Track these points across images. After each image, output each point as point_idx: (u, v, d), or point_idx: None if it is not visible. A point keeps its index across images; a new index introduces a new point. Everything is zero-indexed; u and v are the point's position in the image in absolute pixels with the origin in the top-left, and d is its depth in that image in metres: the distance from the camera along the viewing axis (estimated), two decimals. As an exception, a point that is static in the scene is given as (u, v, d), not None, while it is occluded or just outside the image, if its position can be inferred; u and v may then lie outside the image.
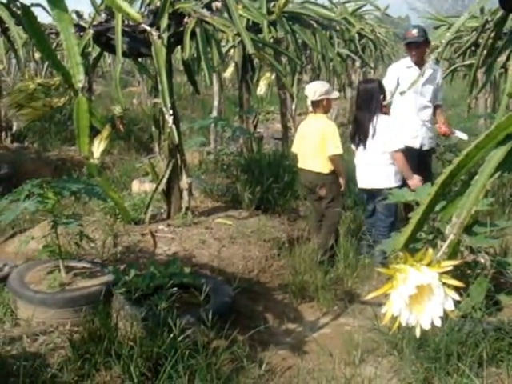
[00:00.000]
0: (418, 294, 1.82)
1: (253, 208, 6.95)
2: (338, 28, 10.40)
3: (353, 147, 6.14)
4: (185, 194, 6.61)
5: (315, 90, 5.99)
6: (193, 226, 6.43)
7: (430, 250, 1.89)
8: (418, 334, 1.88)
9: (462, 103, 17.94)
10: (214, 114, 10.04)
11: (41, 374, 3.75)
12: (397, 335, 4.27)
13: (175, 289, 4.50)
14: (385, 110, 6.09)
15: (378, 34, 13.54)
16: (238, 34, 5.58)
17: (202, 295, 4.46)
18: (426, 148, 6.77)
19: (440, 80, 6.90)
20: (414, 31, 6.58)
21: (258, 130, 10.10)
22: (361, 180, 6.09)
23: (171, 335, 4.01)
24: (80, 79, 2.85)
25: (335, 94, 6.21)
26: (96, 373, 3.91)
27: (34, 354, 4.07)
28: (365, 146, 5.86)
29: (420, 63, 6.56)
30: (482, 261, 4.73)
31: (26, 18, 2.77)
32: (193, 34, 5.49)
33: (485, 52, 5.77)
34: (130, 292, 4.56)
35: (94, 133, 3.16)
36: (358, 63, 14.10)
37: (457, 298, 1.83)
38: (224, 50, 8.31)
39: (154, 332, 4.08)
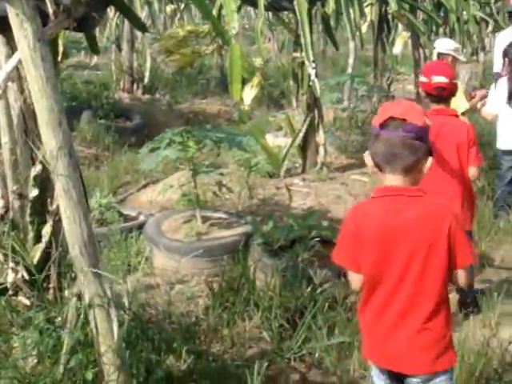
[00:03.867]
0: None
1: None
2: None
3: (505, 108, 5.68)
4: (321, 149, 6.53)
5: (445, 43, 5.70)
6: (328, 181, 6.34)
7: None
8: None
9: None
10: (349, 71, 9.83)
11: (182, 321, 3.77)
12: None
13: (314, 241, 4.43)
14: None
15: None
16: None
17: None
18: None
19: None
20: None
21: (392, 89, 9.82)
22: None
23: (310, 288, 3.95)
24: (234, 26, 2.81)
25: (463, 58, 5.87)
26: (235, 322, 3.91)
27: (171, 302, 4.11)
28: None
29: None
30: None
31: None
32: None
33: None
34: (267, 244, 4.53)
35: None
36: (490, 27, 13.35)
37: None
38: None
39: (292, 284, 4.04)
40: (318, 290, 3.93)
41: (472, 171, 3.91)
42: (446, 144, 3.81)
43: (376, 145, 2.38)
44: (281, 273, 4.13)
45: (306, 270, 4.04)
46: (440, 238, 2.34)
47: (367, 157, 2.45)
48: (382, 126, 2.35)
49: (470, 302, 4.22)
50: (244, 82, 3.22)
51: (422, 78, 4.06)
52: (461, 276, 2.44)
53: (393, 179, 2.38)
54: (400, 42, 8.92)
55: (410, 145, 2.32)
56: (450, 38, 10.64)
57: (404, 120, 2.32)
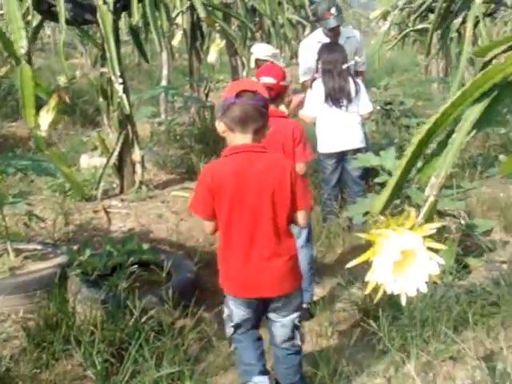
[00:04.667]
0: (401, 260, 1.74)
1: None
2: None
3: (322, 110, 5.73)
4: (138, 167, 6.33)
5: (263, 48, 5.76)
6: (148, 200, 6.17)
7: (413, 213, 1.80)
8: (403, 301, 1.80)
9: (413, 68, 17.95)
10: (164, 83, 9.71)
11: (-4, 368, 3.45)
12: (368, 303, 4.11)
13: (135, 267, 4.24)
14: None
15: None
16: (188, -2, 5.29)
17: (164, 272, 4.23)
18: None
19: (359, 44, 6.50)
20: (333, 10, 6.00)
21: (210, 98, 9.80)
22: (339, 142, 5.68)
23: (134, 317, 3.76)
24: (22, 45, 2.59)
25: (281, 63, 5.89)
26: (55, 362, 3.64)
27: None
28: (347, 108, 5.60)
29: (336, 35, 6.22)
30: (451, 224, 4.62)
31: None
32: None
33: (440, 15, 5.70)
34: (86, 273, 4.28)
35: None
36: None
37: (442, 261, 1.76)
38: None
39: (115, 315, 3.82)
40: (143, 319, 3.75)
41: (299, 167, 3.94)
42: (273, 146, 3.71)
43: (232, 110, 2.91)
44: (102, 304, 3.91)
45: (128, 299, 3.84)
46: (284, 184, 2.92)
47: (219, 124, 2.99)
48: (238, 95, 2.91)
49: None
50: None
51: (253, 80, 4.17)
52: (300, 217, 3.03)
53: (243, 138, 2.94)
54: (214, 49, 8.89)
55: (260, 111, 2.94)
56: (268, 42, 10.87)
57: (255, 92, 2.94)
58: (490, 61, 2.13)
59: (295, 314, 3.15)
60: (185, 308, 4.01)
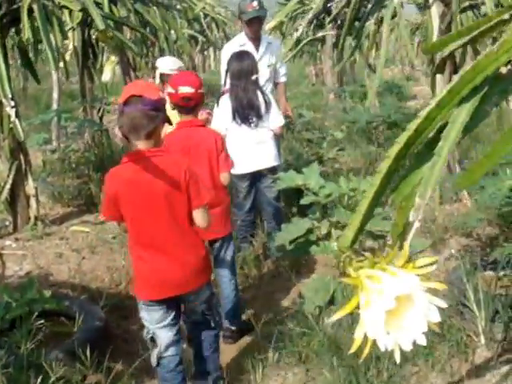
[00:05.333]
0: (395, 308, 1.38)
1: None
2: (179, 7, 9.76)
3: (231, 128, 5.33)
4: (32, 201, 5.79)
5: (168, 62, 5.41)
6: (45, 237, 5.65)
7: (406, 246, 1.48)
8: (397, 358, 1.43)
9: (302, 81, 18.00)
10: (55, 107, 9.10)
11: None
12: (300, 344, 3.79)
13: (38, 319, 3.75)
14: None
15: (217, 15, 13.03)
16: (83, 10, 4.81)
17: (71, 322, 3.79)
18: None
19: (279, 53, 6.21)
20: (255, 3, 5.81)
21: (105, 121, 9.26)
22: (252, 162, 5.22)
23: (40, 377, 3.27)
24: None
25: None
26: None
27: None
28: (257, 124, 5.18)
29: (257, 38, 6.00)
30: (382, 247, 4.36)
31: None
32: (30, 11, 4.63)
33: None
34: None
35: None
36: (198, 47, 13.57)
37: (444, 305, 1.42)
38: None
39: (18, 379, 3.32)
40: (52, 379, 3.27)
41: (223, 177, 4.03)
42: (198, 155, 3.86)
43: (122, 119, 2.93)
44: (2, 368, 3.38)
45: (32, 358, 3.34)
46: (180, 184, 2.99)
47: (117, 131, 3.07)
48: (125, 103, 2.91)
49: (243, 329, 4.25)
50: None
51: (170, 89, 4.01)
52: (196, 216, 3.08)
53: (137, 144, 2.95)
54: (109, 68, 8.37)
55: (148, 115, 2.90)
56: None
57: (141, 96, 2.90)
58: (449, 55, 1.81)
59: (204, 305, 3.30)
60: (98, 362, 3.55)
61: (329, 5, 7.33)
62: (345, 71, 12.43)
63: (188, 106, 3.93)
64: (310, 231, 4.27)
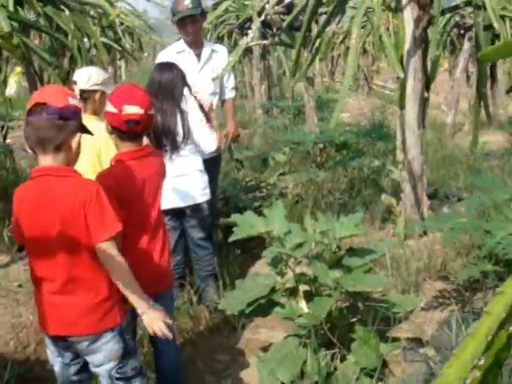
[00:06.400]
0: None
1: (15, 250, 5.00)
2: (92, 13, 8.83)
3: None
4: None
5: (89, 75, 4.03)
6: None
7: None
8: None
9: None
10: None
11: None
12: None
13: None
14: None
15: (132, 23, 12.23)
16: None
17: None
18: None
19: (226, 64, 5.25)
20: (187, 1, 5.01)
21: (8, 140, 8.20)
22: (171, 197, 4.27)
23: None
24: None
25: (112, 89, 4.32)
26: None
27: None
28: (171, 155, 4.11)
29: (196, 43, 5.17)
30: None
31: None
32: None
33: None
34: None
35: None
36: (110, 56, 12.67)
37: None
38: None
39: None
40: None
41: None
42: (152, 186, 3.14)
43: (26, 130, 2.56)
44: None
45: None
46: (79, 213, 2.53)
47: (27, 146, 2.61)
48: (29, 112, 2.54)
49: None
50: None
51: (110, 108, 3.03)
52: (100, 251, 2.58)
53: (44, 159, 2.57)
54: (14, 79, 7.46)
55: (54, 125, 2.51)
56: (73, 69, 9.28)
57: (45, 104, 2.51)
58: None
59: (111, 364, 2.78)
60: None
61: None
62: (273, 84, 11.80)
63: (134, 130, 3.05)
64: (273, 290, 3.47)
